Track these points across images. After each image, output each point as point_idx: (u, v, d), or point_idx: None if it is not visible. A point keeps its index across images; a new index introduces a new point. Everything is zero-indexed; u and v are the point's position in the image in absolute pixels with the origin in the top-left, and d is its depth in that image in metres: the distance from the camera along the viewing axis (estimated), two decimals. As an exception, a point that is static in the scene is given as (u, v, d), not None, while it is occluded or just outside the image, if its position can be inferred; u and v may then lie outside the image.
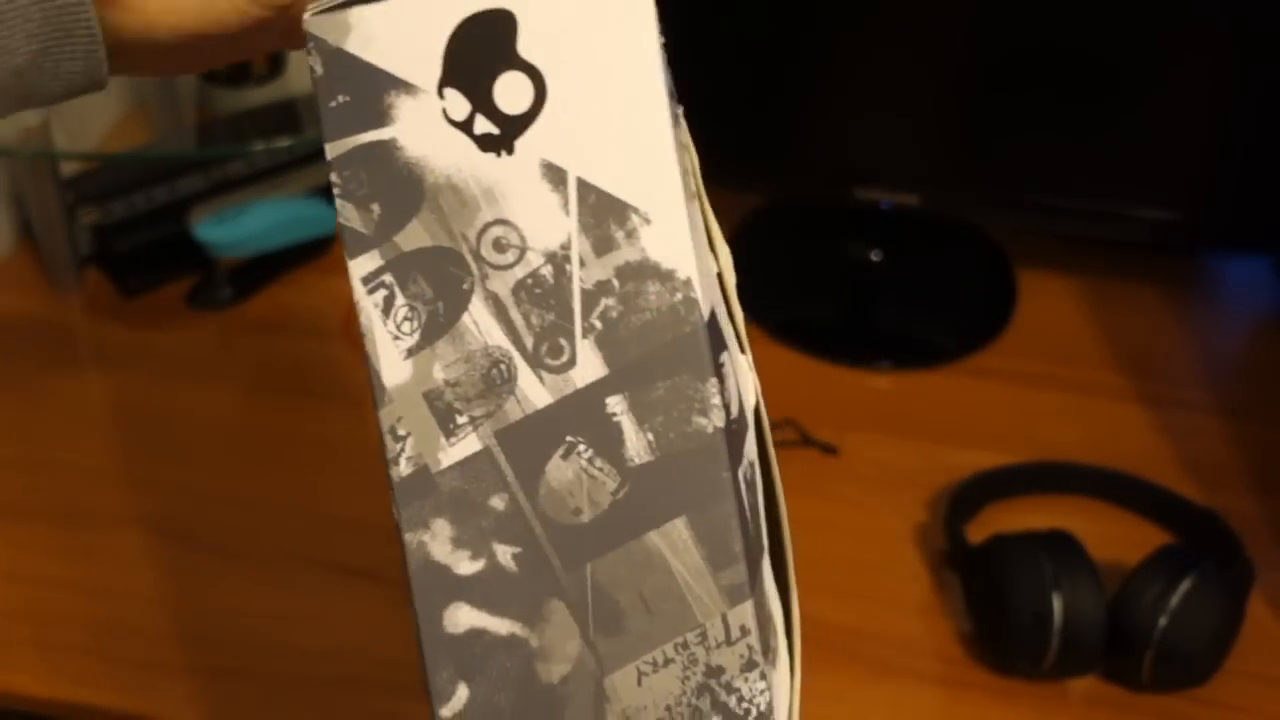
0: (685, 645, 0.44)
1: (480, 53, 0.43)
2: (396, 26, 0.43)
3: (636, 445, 0.44)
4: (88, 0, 0.46)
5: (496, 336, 0.44)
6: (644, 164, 0.44)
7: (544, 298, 0.44)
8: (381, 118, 0.44)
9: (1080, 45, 0.92)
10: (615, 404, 0.44)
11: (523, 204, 0.43)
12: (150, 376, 0.99)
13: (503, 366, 0.44)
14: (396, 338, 0.44)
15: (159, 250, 1.05)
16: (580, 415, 0.44)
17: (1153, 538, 0.89)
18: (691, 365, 0.44)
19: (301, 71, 1.16)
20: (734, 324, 0.49)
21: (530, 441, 0.44)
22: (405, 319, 0.44)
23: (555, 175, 0.44)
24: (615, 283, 0.44)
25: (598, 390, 0.44)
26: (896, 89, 0.97)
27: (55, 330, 1.04)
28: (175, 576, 0.83)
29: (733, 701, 0.44)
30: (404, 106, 0.44)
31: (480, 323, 0.44)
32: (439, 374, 0.44)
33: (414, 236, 0.44)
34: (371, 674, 0.79)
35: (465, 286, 0.44)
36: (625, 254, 0.44)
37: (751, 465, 0.48)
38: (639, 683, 0.44)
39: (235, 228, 1.03)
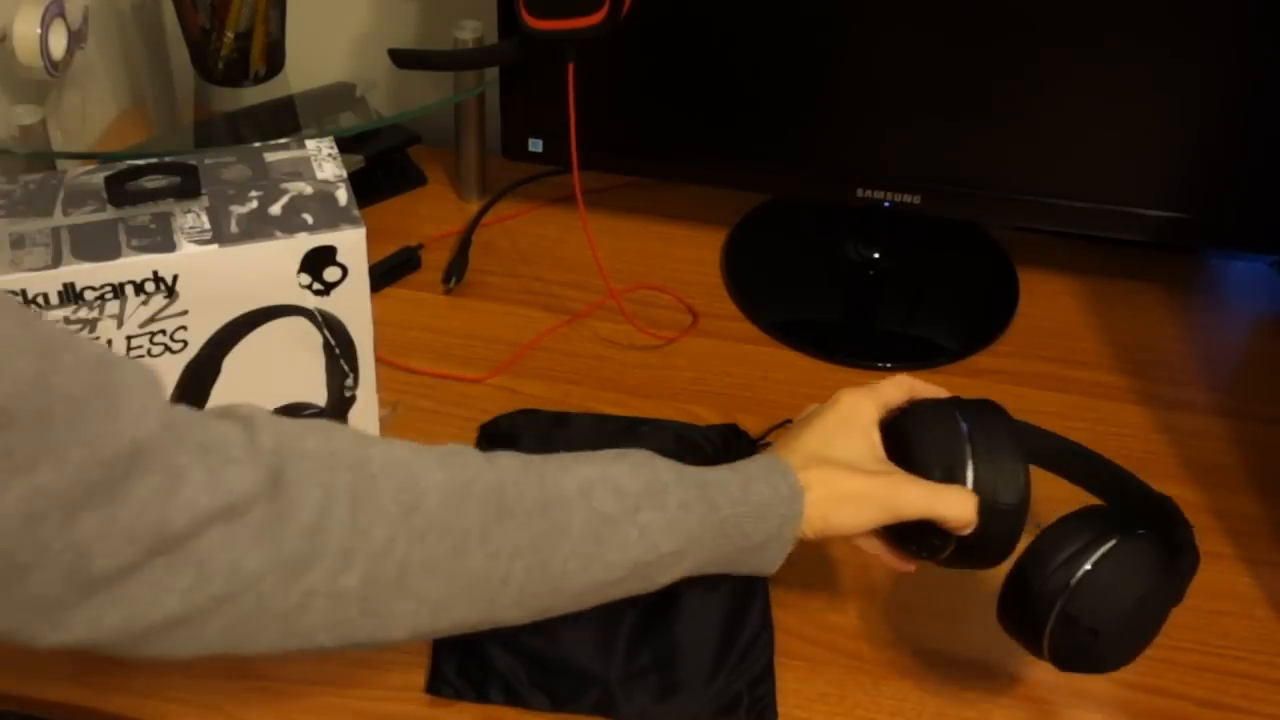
0: None
1: None
2: None
3: None
4: (798, 520, 0.72)
5: None
6: None
7: None
8: None
9: (1081, 44, 0.92)
10: None
11: None
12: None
13: None
14: None
15: None
16: None
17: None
18: None
19: (299, 71, 1.16)
20: None
21: None
22: None
23: None
24: None
25: None
26: (897, 89, 0.97)
27: None
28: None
29: None
30: None
31: None
32: None
33: None
34: (371, 674, 0.79)
35: None
36: None
37: None
38: None
39: None
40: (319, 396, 0.81)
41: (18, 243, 0.70)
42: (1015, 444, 0.72)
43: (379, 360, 0.82)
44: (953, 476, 0.71)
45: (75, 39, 1.05)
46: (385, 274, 1.05)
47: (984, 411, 0.74)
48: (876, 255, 1.10)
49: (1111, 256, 1.11)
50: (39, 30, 0.99)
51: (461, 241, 1.09)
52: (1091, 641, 0.69)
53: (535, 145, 1.05)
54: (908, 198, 1.01)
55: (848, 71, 0.97)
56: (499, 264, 1.09)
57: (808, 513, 0.71)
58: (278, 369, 0.78)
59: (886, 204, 1.02)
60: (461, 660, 0.79)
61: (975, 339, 1.04)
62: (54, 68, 1.02)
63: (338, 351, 0.79)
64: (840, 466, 0.72)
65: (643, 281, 1.07)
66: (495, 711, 0.77)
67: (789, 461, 0.72)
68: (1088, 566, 0.68)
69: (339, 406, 0.81)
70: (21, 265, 0.69)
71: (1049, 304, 1.08)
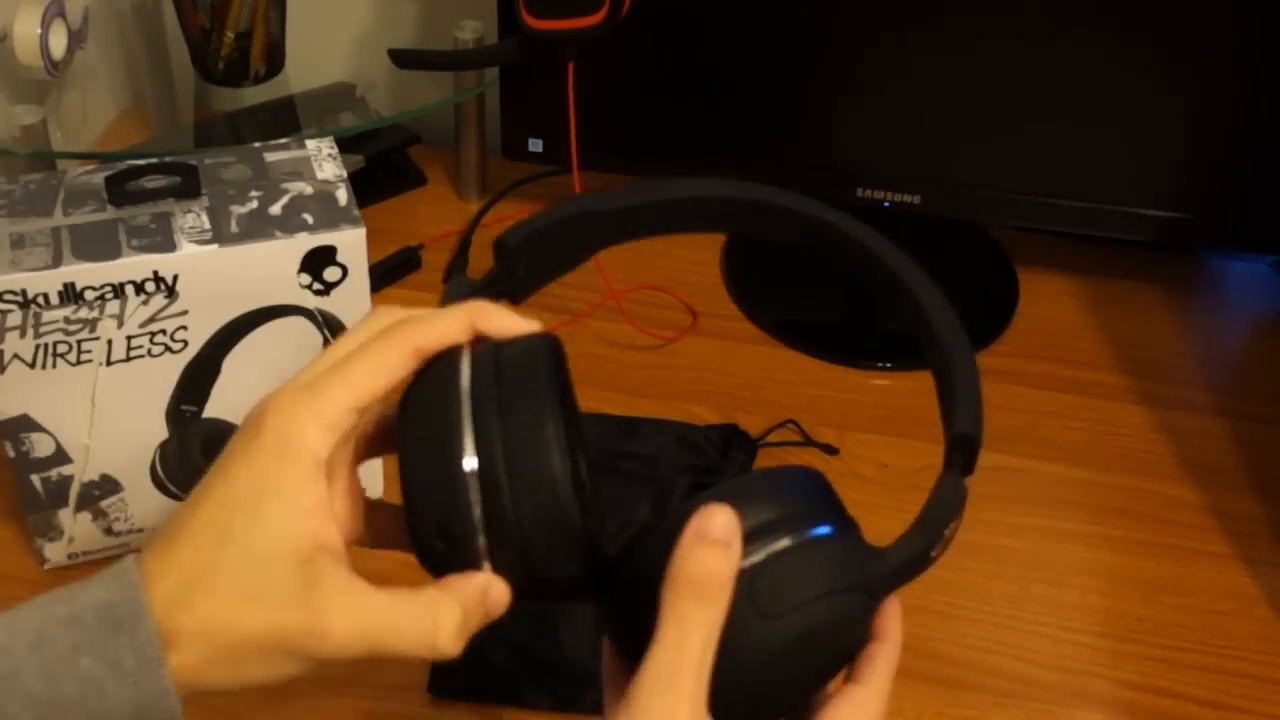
0: None
1: None
2: None
3: None
4: (171, 696, 0.45)
5: None
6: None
7: None
8: None
9: (1081, 44, 0.92)
10: None
11: None
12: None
13: None
14: None
15: None
16: None
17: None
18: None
19: (299, 71, 1.16)
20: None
21: None
22: None
23: None
24: None
25: None
26: (897, 89, 0.97)
27: None
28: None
29: None
30: None
31: None
32: None
33: None
34: (372, 674, 0.79)
35: None
36: None
37: None
38: None
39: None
40: None
41: (18, 243, 0.70)
42: (560, 457, 0.42)
43: (379, 360, 0.82)
44: (453, 540, 0.43)
45: (75, 39, 1.05)
46: (385, 274, 1.05)
47: (517, 393, 0.42)
48: (876, 255, 1.10)
49: (1111, 256, 1.11)
50: (39, 30, 0.99)
51: (461, 241, 1.09)
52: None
53: (535, 145, 1.05)
54: (908, 198, 1.01)
55: (848, 71, 0.97)
56: (499, 264, 1.08)
57: (180, 681, 0.45)
58: (278, 369, 0.78)
59: (886, 204, 1.02)
60: (462, 660, 0.79)
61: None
62: (54, 68, 1.02)
63: None
64: (229, 597, 0.45)
65: (643, 281, 1.07)
66: (495, 711, 0.77)
67: (154, 589, 0.45)
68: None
69: None
70: (21, 265, 0.69)
71: (1049, 304, 1.08)
